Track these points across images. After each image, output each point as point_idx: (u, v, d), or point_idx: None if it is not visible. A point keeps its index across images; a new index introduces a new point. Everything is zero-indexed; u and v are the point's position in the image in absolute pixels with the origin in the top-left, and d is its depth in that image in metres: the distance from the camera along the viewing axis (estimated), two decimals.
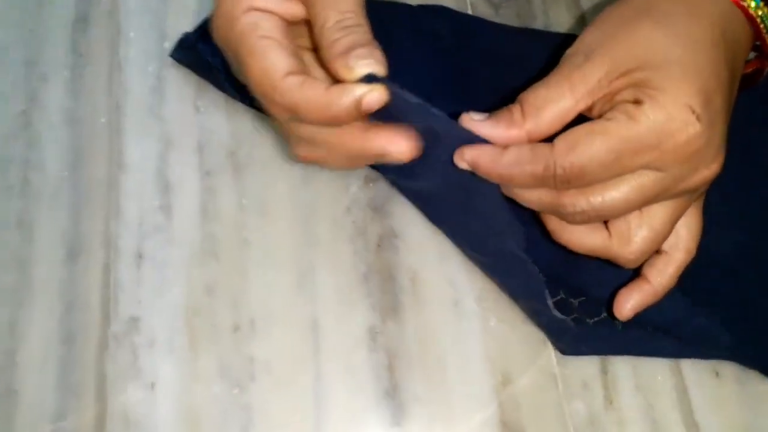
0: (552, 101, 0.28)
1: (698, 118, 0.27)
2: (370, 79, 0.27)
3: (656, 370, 0.34)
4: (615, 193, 0.28)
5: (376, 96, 0.27)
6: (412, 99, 0.28)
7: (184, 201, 0.38)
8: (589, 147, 0.27)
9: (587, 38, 0.29)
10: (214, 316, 0.35)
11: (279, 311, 0.35)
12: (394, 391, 0.34)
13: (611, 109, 0.28)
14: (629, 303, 0.32)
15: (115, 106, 0.40)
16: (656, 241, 0.30)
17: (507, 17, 0.42)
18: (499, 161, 0.28)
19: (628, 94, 0.28)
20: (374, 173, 0.39)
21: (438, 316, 0.35)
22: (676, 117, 0.27)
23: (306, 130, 0.29)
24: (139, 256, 0.37)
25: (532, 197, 0.29)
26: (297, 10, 0.29)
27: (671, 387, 0.34)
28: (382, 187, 0.38)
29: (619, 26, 0.29)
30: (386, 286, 0.36)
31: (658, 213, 0.30)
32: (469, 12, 0.42)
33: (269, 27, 0.29)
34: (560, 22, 0.42)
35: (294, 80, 0.28)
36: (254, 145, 0.39)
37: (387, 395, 0.34)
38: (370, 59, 0.27)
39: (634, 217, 0.30)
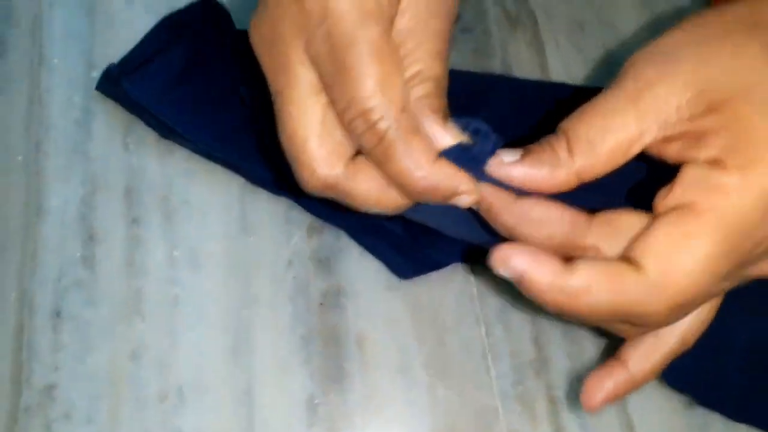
0: (610, 133, 0.21)
1: None
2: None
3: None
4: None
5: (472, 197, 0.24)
6: None
7: (109, 252, 0.34)
8: (681, 264, 0.21)
9: (663, 44, 0.22)
10: (139, 383, 0.32)
11: (210, 378, 0.32)
12: None
13: (695, 182, 0.21)
14: (600, 393, 0.25)
15: (35, 142, 0.37)
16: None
17: (463, 52, 0.39)
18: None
19: (717, 147, 0.21)
20: (319, 222, 0.36)
21: (385, 385, 0.33)
22: None
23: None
24: (57, 315, 0.33)
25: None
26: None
27: None
28: (329, 238, 0.35)
29: (713, 38, 0.21)
30: (329, 351, 0.33)
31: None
32: None
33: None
34: (520, 59, 0.40)
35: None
36: (188, 188, 0.36)
37: None
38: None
39: None
